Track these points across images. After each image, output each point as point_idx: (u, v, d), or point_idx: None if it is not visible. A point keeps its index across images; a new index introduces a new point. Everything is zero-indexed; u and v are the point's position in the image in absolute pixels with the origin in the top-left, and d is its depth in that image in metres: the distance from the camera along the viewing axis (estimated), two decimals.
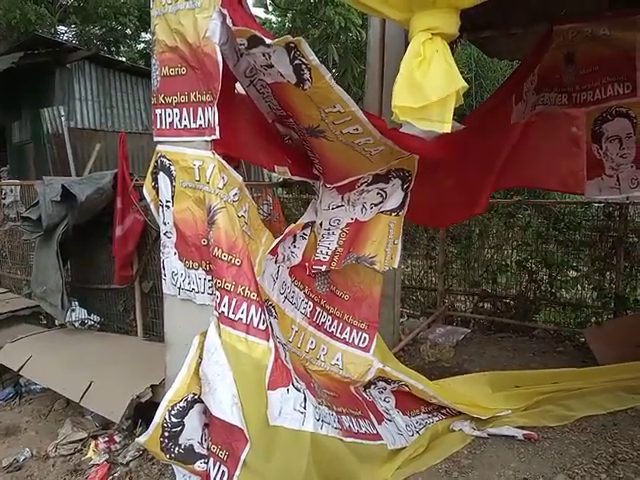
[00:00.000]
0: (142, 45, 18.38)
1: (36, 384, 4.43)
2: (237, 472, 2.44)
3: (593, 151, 4.12)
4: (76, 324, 5.08)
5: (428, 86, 1.92)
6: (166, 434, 2.53)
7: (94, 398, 3.44)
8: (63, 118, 9.05)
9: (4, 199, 5.92)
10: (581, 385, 3.78)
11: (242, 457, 2.43)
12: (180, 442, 2.56)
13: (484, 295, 5.75)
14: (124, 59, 15.57)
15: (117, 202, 4.17)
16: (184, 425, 2.56)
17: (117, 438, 3.42)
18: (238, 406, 2.44)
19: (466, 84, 1.98)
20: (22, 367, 3.97)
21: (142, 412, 3.44)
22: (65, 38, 16.08)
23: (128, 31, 16.51)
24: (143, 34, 17.49)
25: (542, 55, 4.06)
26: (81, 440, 3.58)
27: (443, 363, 4.63)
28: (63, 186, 3.95)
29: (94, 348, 4.19)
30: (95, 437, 3.55)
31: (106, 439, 3.38)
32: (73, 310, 4.92)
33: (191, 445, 2.58)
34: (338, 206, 3.31)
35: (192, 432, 2.58)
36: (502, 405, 3.61)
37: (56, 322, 5.08)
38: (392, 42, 3.93)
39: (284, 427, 2.53)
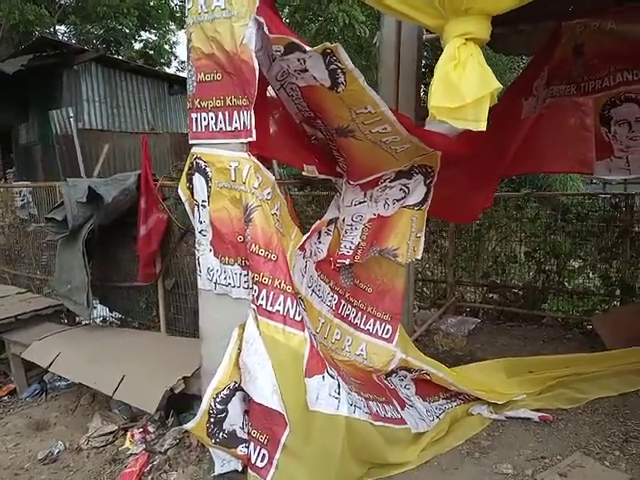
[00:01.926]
0: (141, 44, 18.40)
1: (61, 380, 4.57)
2: (277, 455, 2.59)
3: (602, 134, 4.27)
4: (97, 321, 5.20)
5: (464, 87, 2.05)
6: (212, 420, 2.68)
7: (127, 391, 3.54)
8: (72, 119, 9.12)
9: (23, 201, 6.02)
10: (592, 369, 3.94)
11: (282, 440, 2.58)
12: (224, 427, 2.71)
13: (493, 286, 5.90)
14: (121, 58, 15.60)
15: (141, 202, 4.28)
16: (228, 411, 2.71)
17: (151, 429, 3.55)
18: (278, 393, 2.59)
19: (500, 85, 2.11)
20: (51, 364, 4.07)
21: (173, 403, 3.58)
22: (65, 38, 16.11)
23: (127, 30, 16.54)
24: (143, 33, 17.52)
25: (552, 52, 4.19)
26: (111, 432, 3.70)
27: (456, 352, 4.78)
28: (90, 187, 4.06)
29: (120, 344, 4.30)
30: (126, 429, 3.68)
31: (141, 430, 3.51)
32: (94, 308, 5.03)
33: (234, 430, 2.73)
34: (360, 202, 3.43)
35: (235, 418, 2.73)
36: (517, 390, 3.76)
37: (77, 320, 5.21)
38: (406, 41, 4.03)
39: (321, 412, 2.67)
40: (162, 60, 19.04)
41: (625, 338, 4.37)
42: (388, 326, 3.46)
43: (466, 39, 2.11)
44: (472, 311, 5.92)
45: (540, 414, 3.47)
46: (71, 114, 9.14)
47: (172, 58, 20.36)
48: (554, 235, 5.62)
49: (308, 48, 2.39)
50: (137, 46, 18.44)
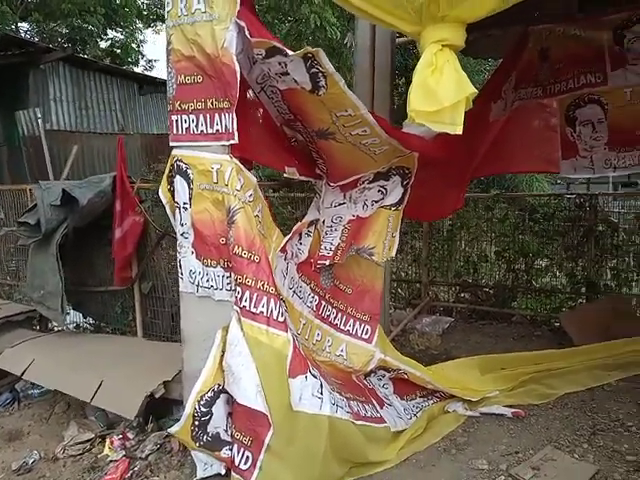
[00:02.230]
0: (108, 43, 18.02)
1: (34, 388, 4.45)
2: (261, 456, 2.60)
3: (567, 134, 4.50)
4: (70, 327, 5.10)
5: (441, 92, 2.14)
6: (196, 423, 2.68)
7: (106, 397, 3.49)
8: (40, 120, 8.86)
9: None
10: (561, 365, 4.10)
11: (266, 441, 2.59)
12: (208, 430, 2.72)
13: (465, 285, 6.05)
14: (88, 57, 15.24)
15: (116, 205, 4.23)
16: (212, 414, 2.71)
17: (130, 435, 3.49)
18: (262, 394, 2.60)
19: (475, 90, 2.20)
20: (25, 371, 3.97)
21: (151, 409, 3.54)
22: (27, 36, 15.65)
23: (92, 28, 16.15)
24: (110, 32, 17.16)
25: (520, 56, 4.36)
26: (88, 440, 3.62)
27: (432, 351, 4.89)
28: (64, 190, 3.99)
29: (97, 349, 4.23)
30: (103, 437, 3.62)
31: (120, 436, 3.46)
32: (67, 314, 4.93)
33: (218, 433, 2.74)
34: (340, 204, 3.48)
35: (219, 420, 2.73)
36: (490, 386, 3.87)
37: (49, 326, 5.10)
38: (380, 44, 4.11)
39: (304, 412, 2.70)
40: (129, 59, 18.70)
41: (591, 334, 4.55)
42: (367, 326, 3.52)
43: (442, 45, 2.19)
44: (446, 310, 6.05)
45: (513, 410, 3.57)
46: (39, 115, 8.87)
47: (139, 57, 20.04)
48: (522, 235, 5.81)
49: (290, 52, 2.43)
50: (103, 45, 18.04)
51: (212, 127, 2.72)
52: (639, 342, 4.31)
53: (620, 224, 5.56)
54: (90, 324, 5.20)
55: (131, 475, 3.08)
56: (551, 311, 5.63)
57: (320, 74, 2.50)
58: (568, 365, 4.10)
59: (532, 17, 4.39)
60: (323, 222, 3.49)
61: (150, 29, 20.59)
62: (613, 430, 3.32)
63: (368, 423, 3.13)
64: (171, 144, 2.88)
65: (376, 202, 3.39)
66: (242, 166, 2.75)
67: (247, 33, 2.50)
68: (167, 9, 2.75)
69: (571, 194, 5.55)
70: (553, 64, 4.40)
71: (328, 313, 3.50)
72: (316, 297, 3.46)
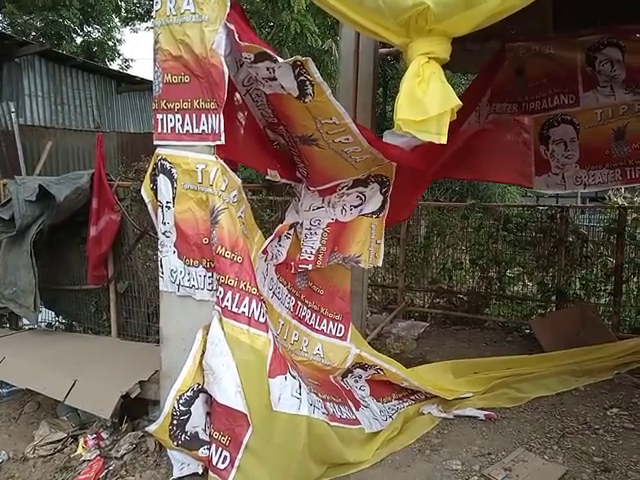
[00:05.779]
0: (83, 39, 17.72)
1: (2, 388, 4.34)
2: (239, 455, 2.62)
3: (540, 151, 4.67)
4: (42, 325, 4.99)
5: (427, 102, 2.21)
6: (175, 422, 2.67)
7: (80, 396, 3.44)
8: (13, 115, 8.63)
9: None
10: (531, 370, 4.23)
11: (244, 441, 2.61)
12: (187, 429, 2.71)
13: (440, 291, 6.17)
14: (66, 53, 14.93)
15: (93, 202, 4.18)
16: (191, 413, 2.70)
17: (104, 435, 3.45)
18: (242, 394, 2.62)
19: (460, 102, 2.28)
20: None
21: (126, 409, 3.51)
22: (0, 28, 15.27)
23: (67, 23, 15.83)
24: (86, 28, 16.87)
25: (496, 72, 4.49)
26: (60, 440, 3.55)
27: (407, 354, 4.96)
28: (41, 186, 3.92)
29: (70, 348, 4.16)
30: (75, 437, 3.56)
31: (94, 436, 3.41)
32: (40, 312, 4.83)
33: (196, 432, 2.73)
34: (318, 207, 3.53)
35: (197, 420, 2.73)
36: (464, 389, 3.95)
37: (20, 324, 4.98)
38: (364, 54, 4.19)
39: (283, 412, 2.72)
40: (106, 56, 18.40)
41: (560, 341, 4.71)
42: (340, 325, 3.62)
43: (429, 58, 2.27)
44: (421, 315, 6.17)
45: (485, 412, 3.66)
46: (12, 109, 8.64)
47: (116, 55, 19.75)
48: (496, 244, 5.97)
49: (279, 59, 2.47)
50: (79, 41, 17.70)
51: (198, 127, 2.73)
52: (605, 349, 4.49)
53: (589, 236, 5.78)
54: (62, 323, 5.10)
55: (106, 474, 3.04)
56: (522, 318, 5.80)
57: (308, 82, 2.55)
58: (538, 370, 4.23)
59: (509, 34, 4.54)
60: (302, 225, 3.53)
61: (128, 27, 20.36)
62: (581, 433, 3.44)
63: (342, 425, 3.16)
64: (155, 142, 2.87)
65: (355, 207, 3.46)
66: (227, 167, 2.77)
67: (236, 37, 2.53)
68: (155, 8, 2.75)
69: (543, 206, 5.73)
70: (528, 81, 4.56)
71: (304, 314, 3.55)
72: (292, 298, 3.50)
